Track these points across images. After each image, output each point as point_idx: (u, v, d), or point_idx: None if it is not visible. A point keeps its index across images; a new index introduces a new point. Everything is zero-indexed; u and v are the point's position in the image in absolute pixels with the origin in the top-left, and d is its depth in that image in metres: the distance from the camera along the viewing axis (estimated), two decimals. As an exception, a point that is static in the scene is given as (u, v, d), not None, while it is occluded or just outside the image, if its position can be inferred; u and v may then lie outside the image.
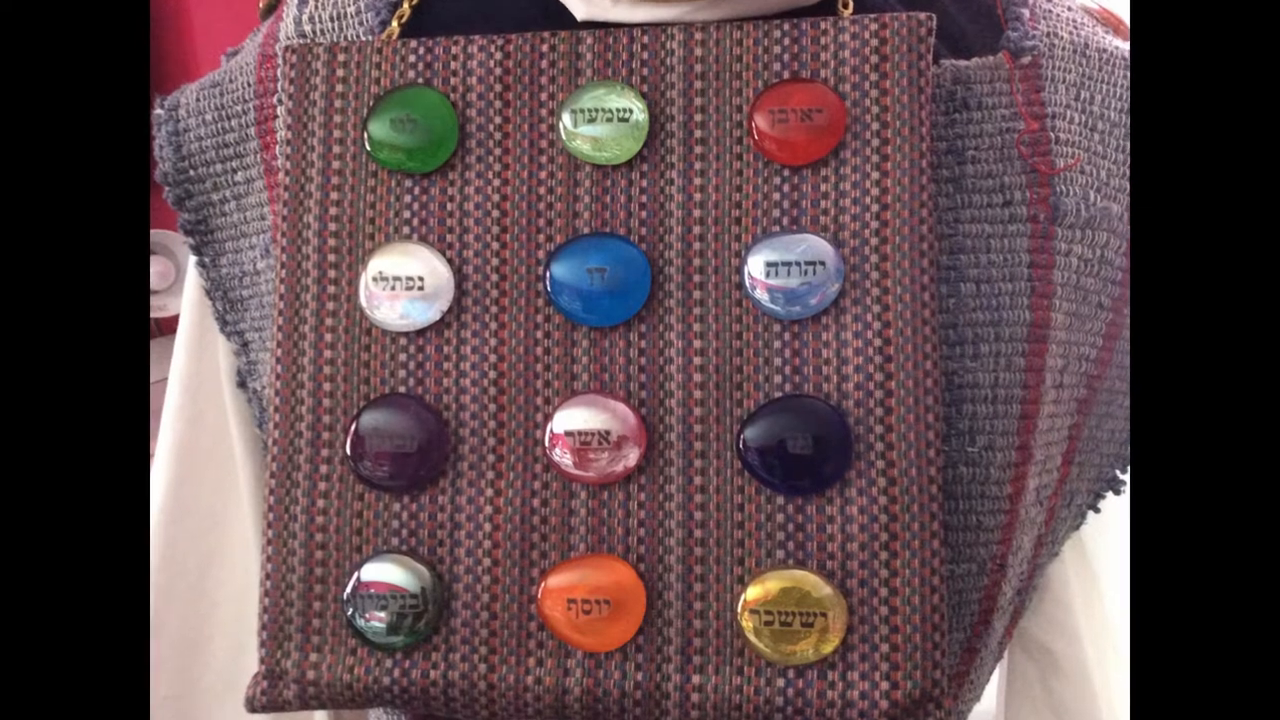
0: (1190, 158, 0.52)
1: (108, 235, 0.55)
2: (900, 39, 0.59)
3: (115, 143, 0.56)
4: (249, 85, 0.70)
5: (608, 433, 0.58)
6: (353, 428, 0.60)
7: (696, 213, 0.59)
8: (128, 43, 0.57)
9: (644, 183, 0.60)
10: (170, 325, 0.79)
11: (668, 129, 0.60)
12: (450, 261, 0.60)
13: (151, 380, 0.76)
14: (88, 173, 0.55)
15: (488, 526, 0.59)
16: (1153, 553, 0.51)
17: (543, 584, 0.58)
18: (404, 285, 0.60)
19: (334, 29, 0.68)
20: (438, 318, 0.60)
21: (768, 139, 0.59)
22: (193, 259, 0.73)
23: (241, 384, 0.73)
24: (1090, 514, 0.72)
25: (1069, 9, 0.67)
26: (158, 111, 0.73)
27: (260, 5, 0.74)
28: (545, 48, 0.61)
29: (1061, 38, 0.65)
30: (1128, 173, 0.65)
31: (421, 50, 0.62)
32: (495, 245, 0.60)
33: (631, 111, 0.60)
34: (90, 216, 0.55)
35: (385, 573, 0.58)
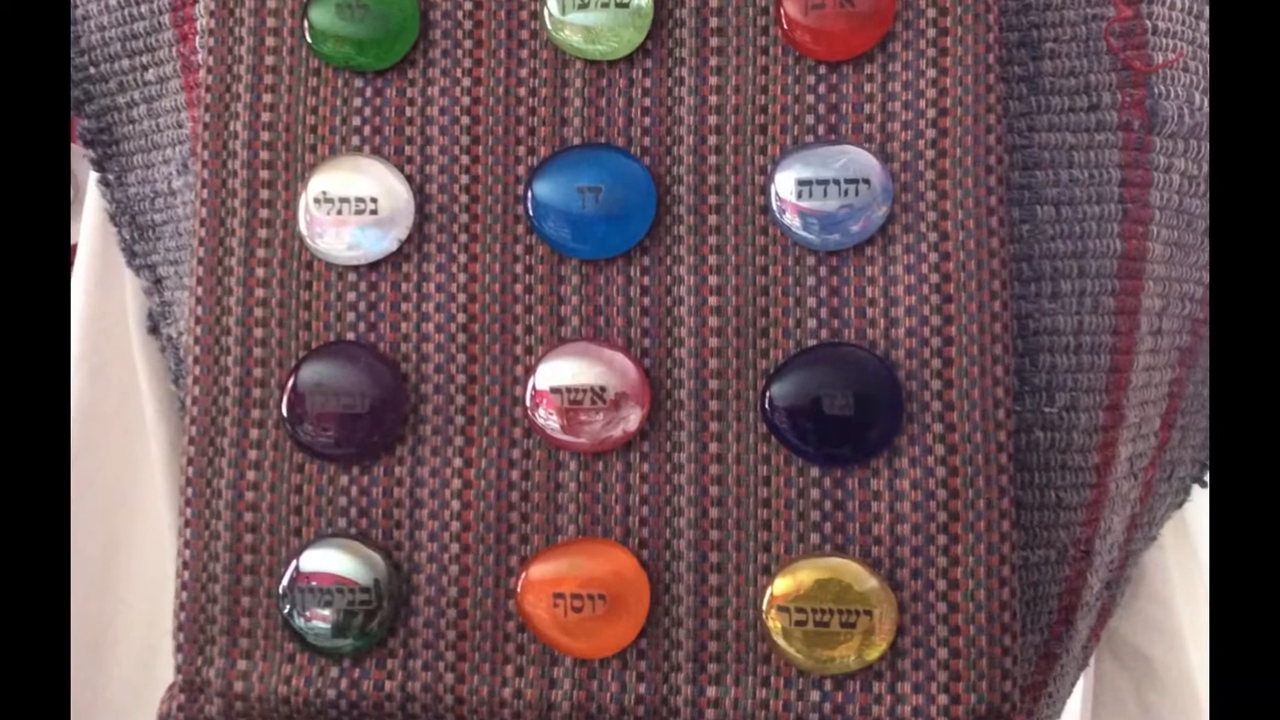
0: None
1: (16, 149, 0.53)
2: None
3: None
4: None
5: (603, 389, 0.57)
6: (290, 383, 0.58)
7: (712, 119, 0.58)
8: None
9: (648, 82, 0.58)
10: (68, 257, 0.80)
11: (677, 16, 0.58)
12: (410, 179, 0.59)
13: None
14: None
15: (456, 504, 0.57)
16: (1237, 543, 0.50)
17: (523, 575, 0.56)
18: (353, 208, 0.59)
19: None
20: (395, 248, 0.58)
21: (800, 29, 0.57)
22: (94, 176, 0.72)
23: (153, 330, 0.73)
24: (1196, 489, 0.71)
25: None
26: None
27: None
28: None
29: None
30: None
31: None
32: (465, 159, 0.59)
33: (633, -7, 0.57)
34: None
35: (330, 561, 0.57)
